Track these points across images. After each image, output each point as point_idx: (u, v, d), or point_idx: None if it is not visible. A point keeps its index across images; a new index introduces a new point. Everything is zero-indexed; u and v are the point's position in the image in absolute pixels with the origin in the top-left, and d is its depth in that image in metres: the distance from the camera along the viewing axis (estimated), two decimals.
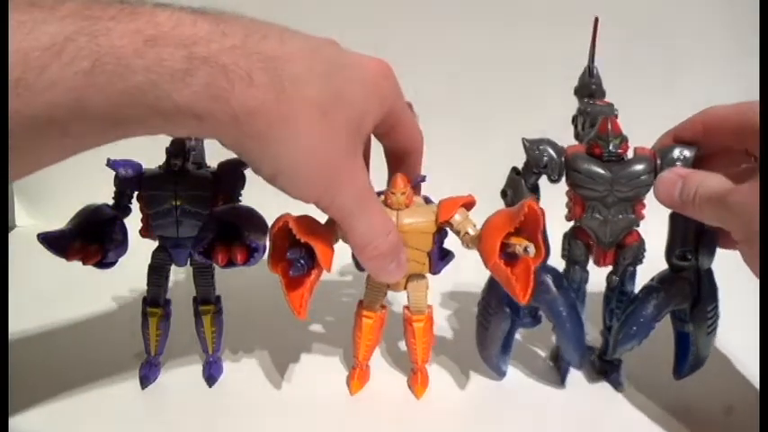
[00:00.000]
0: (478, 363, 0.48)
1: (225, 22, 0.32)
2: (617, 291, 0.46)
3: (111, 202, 0.44)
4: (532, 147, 0.44)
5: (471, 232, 0.41)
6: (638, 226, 0.44)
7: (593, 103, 0.44)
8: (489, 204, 0.42)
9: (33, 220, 0.77)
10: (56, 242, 0.41)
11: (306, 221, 0.39)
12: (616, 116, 0.43)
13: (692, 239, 0.43)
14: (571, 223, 0.45)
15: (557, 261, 0.45)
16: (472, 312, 0.47)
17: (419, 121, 0.44)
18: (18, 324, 0.48)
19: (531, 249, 0.37)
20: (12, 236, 0.75)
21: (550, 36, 0.73)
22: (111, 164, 0.43)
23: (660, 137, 0.45)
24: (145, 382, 0.46)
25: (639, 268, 0.45)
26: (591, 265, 0.46)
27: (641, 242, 0.44)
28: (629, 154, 0.43)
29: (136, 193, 0.43)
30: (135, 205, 0.44)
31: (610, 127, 0.42)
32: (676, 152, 0.43)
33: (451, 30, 0.75)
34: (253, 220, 0.43)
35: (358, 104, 0.36)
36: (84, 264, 0.42)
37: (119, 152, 0.42)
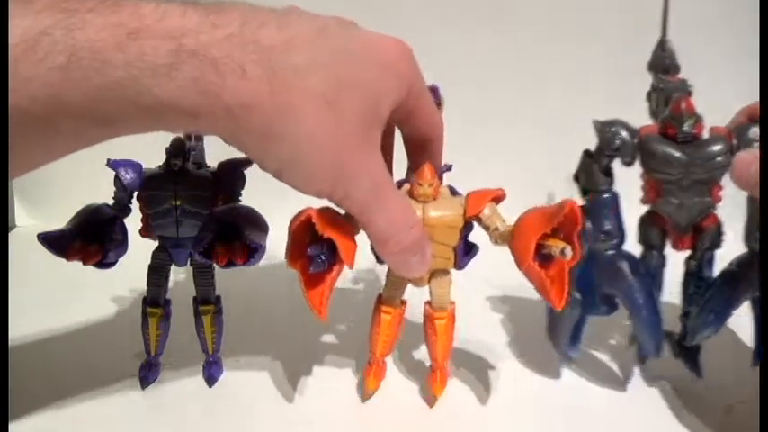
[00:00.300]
0: (500, 366, 0.48)
1: (217, 13, 0.31)
2: (695, 276, 0.44)
3: (111, 202, 0.44)
4: (604, 128, 0.42)
5: (501, 228, 0.39)
6: (714, 209, 0.42)
7: (666, 78, 0.43)
8: (515, 199, 0.41)
9: (33, 220, 0.77)
10: (56, 242, 0.41)
11: (329, 215, 0.37)
12: (690, 93, 0.42)
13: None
14: (646, 207, 0.44)
15: (633, 246, 0.44)
16: (496, 309, 0.45)
17: (447, 105, 0.43)
18: (18, 324, 0.48)
19: (569, 251, 0.35)
20: (12, 236, 0.75)
21: (573, 32, 0.72)
22: (112, 164, 0.43)
23: (735, 114, 0.44)
24: (145, 382, 0.46)
25: (719, 252, 0.44)
26: (668, 249, 0.45)
27: (719, 225, 0.43)
28: (705, 134, 0.42)
29: (136, 193, 0.43)
30: (135, 205, 0.44)
31: (684, 106, 0.41)
32: (753, 131, 0.41)
33: (481, 23, 0.74)
34: (253, 219, 0.43)
35: (371, 88, 0.35)
36: (84, 264, 0.42)
37: (119, 152, 0.42)
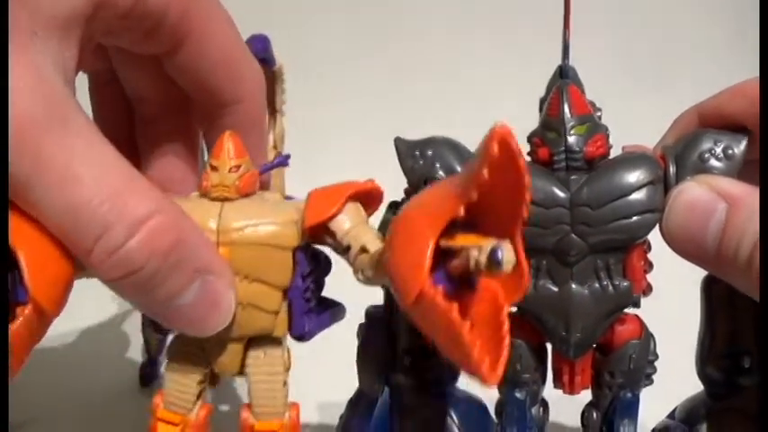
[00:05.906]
0: None
1: None
2: None
3: None
4: (410, 153, 0.25)
5: (371, 247, 0.22)
6: (635, 304, 0.24)
7: None
8: None
9: None
10: None
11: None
12: (581, 91, 0.24)
13: (751, 329, 0.24)
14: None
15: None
16: None
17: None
18: None
19: (506, 255, 0.17)
20: None
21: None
22: None
23: (669, 129, 0.28)
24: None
25: (646, 392, 0.26)
26: (551, 389, 0.26)
27: (646, 339, 0.25)
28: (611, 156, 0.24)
29: None
30: None
31: (566, 104, 0.23)
32: (708, 143, 0.23)
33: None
34: None
35: None
36: None
37: None
